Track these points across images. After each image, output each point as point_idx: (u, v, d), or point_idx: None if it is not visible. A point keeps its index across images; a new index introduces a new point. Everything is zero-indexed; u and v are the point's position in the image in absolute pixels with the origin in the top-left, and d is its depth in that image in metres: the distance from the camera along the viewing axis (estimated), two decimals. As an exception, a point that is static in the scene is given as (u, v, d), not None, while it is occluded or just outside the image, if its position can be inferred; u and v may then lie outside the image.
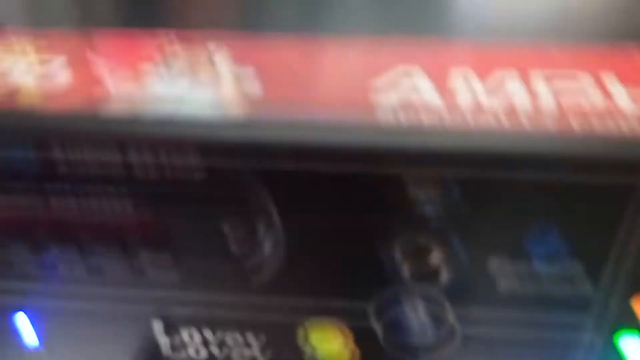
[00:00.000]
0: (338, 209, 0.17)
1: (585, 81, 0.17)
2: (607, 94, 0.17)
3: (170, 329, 0.21)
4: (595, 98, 0.17)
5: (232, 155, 0.17)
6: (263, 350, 0.22)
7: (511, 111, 0.16)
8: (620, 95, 0.17)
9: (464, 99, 0.17)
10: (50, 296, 0.21)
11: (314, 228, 0.18)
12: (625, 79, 0.17)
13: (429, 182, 0.17)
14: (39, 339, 0.22)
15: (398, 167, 0.16)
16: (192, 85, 0.18)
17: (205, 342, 0.21)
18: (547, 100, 0.17)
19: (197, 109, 0.17)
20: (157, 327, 0.21)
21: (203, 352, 0.21)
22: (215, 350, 0.21)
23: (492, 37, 0.20)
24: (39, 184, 0.18)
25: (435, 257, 0.18)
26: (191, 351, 0.22)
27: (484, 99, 0.17)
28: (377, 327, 0.20)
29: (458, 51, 0.19)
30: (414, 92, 0.17)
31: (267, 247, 0.19)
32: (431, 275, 0.19)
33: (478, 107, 0.17)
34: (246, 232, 0.18)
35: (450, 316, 0.20)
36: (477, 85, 0.17)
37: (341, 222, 0.18)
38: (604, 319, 0.19)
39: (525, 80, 0.18)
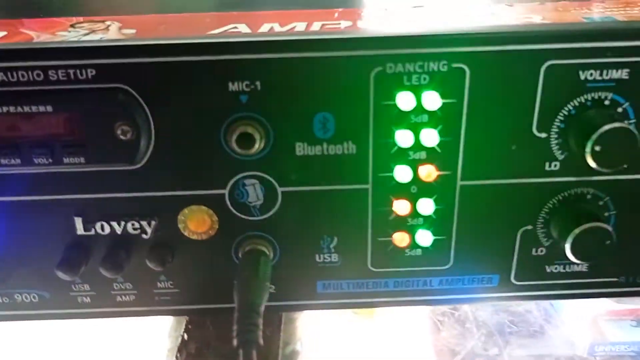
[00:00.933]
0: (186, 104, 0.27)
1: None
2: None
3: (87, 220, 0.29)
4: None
5: (112, 66, 0.26)
6: (155, 232, 0.29)
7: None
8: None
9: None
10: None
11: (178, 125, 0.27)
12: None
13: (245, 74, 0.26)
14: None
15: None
16: (91, 34, 0.28)
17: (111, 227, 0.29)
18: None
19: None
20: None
21: (107, 229, 0.29)
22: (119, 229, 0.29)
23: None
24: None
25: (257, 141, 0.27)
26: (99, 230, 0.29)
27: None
28: (230, 204, 0.29)
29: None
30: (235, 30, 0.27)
31: (144, 145, 0.27)
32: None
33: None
34: (130, 132, 0.27)
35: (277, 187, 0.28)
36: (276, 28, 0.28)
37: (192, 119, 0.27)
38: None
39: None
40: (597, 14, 0.29)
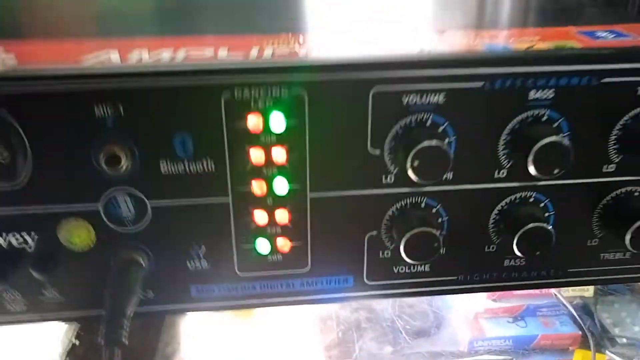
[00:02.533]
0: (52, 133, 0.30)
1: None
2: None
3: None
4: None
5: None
6: (37, 244, 0.32)
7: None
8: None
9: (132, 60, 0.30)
10: None
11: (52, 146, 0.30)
12: (221, 48, 0.31)
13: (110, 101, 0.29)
14: None
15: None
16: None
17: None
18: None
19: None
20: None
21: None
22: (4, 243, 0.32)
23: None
24: None
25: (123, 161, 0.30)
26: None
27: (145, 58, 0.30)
28: (105, 217, 0.32)
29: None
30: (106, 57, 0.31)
31: (21, 166, 0.30)
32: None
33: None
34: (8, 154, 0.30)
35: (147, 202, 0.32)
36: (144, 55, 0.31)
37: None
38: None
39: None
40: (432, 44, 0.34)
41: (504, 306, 0.54)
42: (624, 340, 0.53)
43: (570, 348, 0.53)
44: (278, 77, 0.30)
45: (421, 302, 0.59)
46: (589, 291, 0.56)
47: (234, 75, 0.29)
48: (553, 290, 0.54)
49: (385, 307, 0.59)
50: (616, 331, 0.54)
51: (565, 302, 0.53)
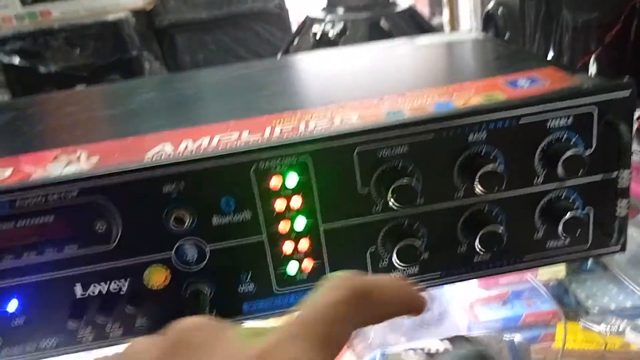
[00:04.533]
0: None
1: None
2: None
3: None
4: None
5: (88, 188, 0.41)
6: (129, 287, 0.45)
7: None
8: (241, 136, 0.43)
9: (182, 148, 0.43)
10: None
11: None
12: (245, 131, 0.44)
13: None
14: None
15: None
16: (68, 165, 0.43)
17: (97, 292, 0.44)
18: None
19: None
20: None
21: (96, 289, 0.44)
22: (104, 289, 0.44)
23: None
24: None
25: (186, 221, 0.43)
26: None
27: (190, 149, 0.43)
28: (176, 261, 0.44)
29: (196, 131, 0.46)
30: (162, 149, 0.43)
31: (115, 233, 0.43)
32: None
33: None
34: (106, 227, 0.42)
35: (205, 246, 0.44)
36: (189, 143, 0.44)
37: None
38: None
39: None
40: (397, 108, 0.46)
41: (493, 294, 0.66)
42: (596, 309, 0.64)
43: (552, 322, 0.64)
44: (288, 150, 0.42)
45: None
46: (562, 272, 0.67)
47: (258, 153, 0.42)
48: (529, 276, 0.65)
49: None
50: (589, 303, 0.65)
51: (537, 284, 0.64)
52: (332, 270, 0.46)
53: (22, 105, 0.68)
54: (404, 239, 0.44)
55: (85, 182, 0.41)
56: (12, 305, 0.44)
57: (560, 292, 0.66)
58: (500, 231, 0.44)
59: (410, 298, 0.28)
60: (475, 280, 0.66)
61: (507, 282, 0.66)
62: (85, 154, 0.46)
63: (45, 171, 0.43)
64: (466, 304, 0.65)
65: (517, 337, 0.57)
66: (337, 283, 0.27)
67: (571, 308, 0.65)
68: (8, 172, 0.44)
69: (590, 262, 0.70)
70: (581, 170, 0.44)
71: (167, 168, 0.42)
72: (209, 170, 0.42)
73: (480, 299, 0.65)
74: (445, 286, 0.67)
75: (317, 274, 0.46)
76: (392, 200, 0.42)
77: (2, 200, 0.41)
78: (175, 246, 0.44)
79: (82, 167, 0.43)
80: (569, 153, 0.43)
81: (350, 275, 0.27)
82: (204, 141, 0.44)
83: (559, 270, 0.67)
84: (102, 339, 0.46)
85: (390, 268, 0.47)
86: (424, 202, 0.45)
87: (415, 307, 0.28)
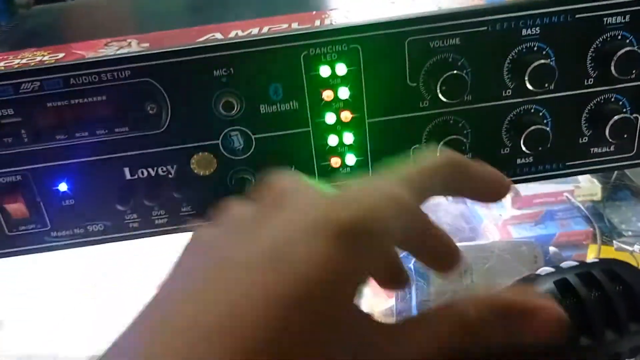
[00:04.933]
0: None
1: (281, 23, 0.44)
2: (287, 24, 0.43)
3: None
4: (282, 26, 0.43)
5: (140, 67, 0.42)
6: (176, 173, 0.45)
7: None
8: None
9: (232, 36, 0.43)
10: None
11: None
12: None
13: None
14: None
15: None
16: (120, 49, 0.44)
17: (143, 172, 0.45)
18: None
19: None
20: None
21: (145, 173, 0.45)
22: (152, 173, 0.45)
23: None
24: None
25: (235, 107, 0.43)
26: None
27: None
28: (222, 149, 0.45)
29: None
30: (213, 37, 0.43)
31: (165, 116, 0.43)
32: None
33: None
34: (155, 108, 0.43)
35: (252, 135, 0.45)
36: (239, 32, 0.43)
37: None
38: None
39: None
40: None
41: (526, 212, 0.66)
42: (630, 233, 0.64)
43: (584, 243, 0.64)
44: (339, 37, 0.42)
45: (457, 219, 0.71)
46: (597, 195, 0.67)
47: (308, 39, 0.42)
48: (566, 194, 0.65)
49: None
50: (623, 227, 0.65)
51: (577, 203, 0.65)
52: (375, 166, 0.47)
53: (63, 7, 0.68)
54: (450, 134, 0.44)
55: (138, 62, 0.42)
56: (63, 186, 0.45)
57: (594, 215, 0.66)
58: (545, 131, 0.44)
59: (499, 181, 0.28)
60: (509, 199, 0.67)
61: (541, 202, 0.66)
62: (135, 41, 0.46)
63: (98, 54, 0.44)
64: (499, 222, 0.66)
65: (552, 249, 0.57)
66: (437, 154, 0.27)
67: (604, 231, 0.65)
68: (61, 55, 0.44)
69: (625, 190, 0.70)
70: (634, 71, 0.43)
71: (218, 51, 0.42)
72: (259, 55, 0.42)
73: (513, 217, 0.65)
74: (476, 204, 0.68)
75: (360, 169, 0.47)
76: (440, 92, 0.42)
77: (56, 77, 0.42)
78: (223, 134, 0.44)
79: (134, 51, 0.43)
80: (623, 51, 0.42)
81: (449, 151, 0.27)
82: (254, 30, 0.44)
83: (594, 193, 0.66)
84: (148, 226, 0.48)
85: (433, 166, 0.47)
86: (472, 99, 0.45)
87: (501, 190, 0.28)
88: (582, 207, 0.64)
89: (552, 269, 0.30)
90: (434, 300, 0.43)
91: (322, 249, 0.20)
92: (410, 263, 0.45)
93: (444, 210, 0.74)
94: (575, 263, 0.30)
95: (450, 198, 0.76)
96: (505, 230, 0.65)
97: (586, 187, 0.67)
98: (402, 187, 0.23)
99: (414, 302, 0.44)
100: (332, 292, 0.20)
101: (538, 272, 0.31)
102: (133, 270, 0.66)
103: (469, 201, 0.73)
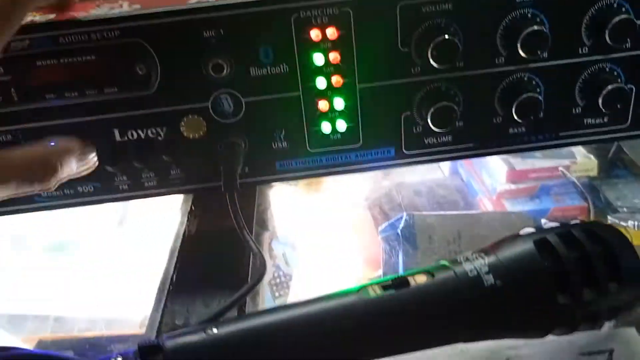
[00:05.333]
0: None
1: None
2: None
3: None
4: None
5: (131, 27, 0.41)
6: (166, 135, 0.45)
7: None
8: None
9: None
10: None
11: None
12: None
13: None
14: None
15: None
16: (112, 10, 0.43)
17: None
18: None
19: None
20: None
21: (135, 135, 0.45)
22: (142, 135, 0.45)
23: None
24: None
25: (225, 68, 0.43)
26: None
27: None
28: (212, 112, 0.45)
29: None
30: (203, -3, 0.43)
31: (154, 77, 0.43)
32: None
33: None
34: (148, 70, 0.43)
35: (242, 99, 0.44)
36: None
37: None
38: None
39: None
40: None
41: (521, 187, 0.66)
42: (625, 209, 0.64)
43: (579, 218, 0.64)
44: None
45: (452, 194, 0.71)
46: (593, 171, 0.66)
47: (299, 1, 0.41)
48: (562, 169, 0.65)
49: (421, 200, 0.71)
50: (618, 203, 0.65)
51: (573, 178, 0.64)
52: (365, 132, 0.47)
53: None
54: (441, 101, 0.44)
55: (128, 22, 0.42)
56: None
57: (590, 191, 0.65)
58: (538, 100, 0.44)
59: None
60: (503, 174, 0.66)
61: (536, 176, 0.66)
62: (127, 3, 0.46)
63: (89, 14, 0.43)
64: (493, 196, 0.65)
65: (544, 221, 0.57)
66: None
67: (599, 207, 0.64)
68: (52, 16, 0.44)
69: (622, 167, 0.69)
70: (629, 41, 0.43)
71: (208, 12, 0.41)
72: (250, 17, 0.42)
73: (508, 191, 0.65)
74: (472, 178, 0.68)
75: (349, 136, 0.47)
76: (432, 58, 0.42)
77: (46, 36, 0.41)
78: (212, 96, 0.44)
79: (125, 11, 0.43)
80: (618, 19, 0.41)
81: None
82: (244, -8, 0.44)
83: (590, 169, 0.66)
84: (137, 188, 0.48)
85: (425, 134, 0.47)
86: (464, 66, 0.44)
87: None
88: (578, 183, 0.64)
89: (532, 230, 0.30)
90: (420, 264, 0.43)
91: None
92: (398, 229, 0.45)
93: (440, 185, 0.74)
94: (556, 224, 0.30)
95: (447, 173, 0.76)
96: (500, 203, 0.65)
97: (583, 162, 0.66)
98: None
99: (401, 267, 0.44)
100: None
101: (520, 232, 0.31)
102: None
103: (464, 175, 0.73)
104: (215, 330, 0.28)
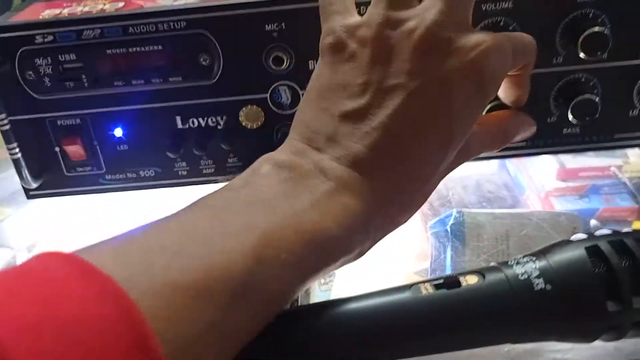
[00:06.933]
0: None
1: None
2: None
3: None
4: None
5: (196, 19, 0.43)
6: (225, 124, 0.47)
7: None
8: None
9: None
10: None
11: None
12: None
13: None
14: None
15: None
16: (178, 0, 0.45)
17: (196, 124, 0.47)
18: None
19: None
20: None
21: (196, 123, 0.47)
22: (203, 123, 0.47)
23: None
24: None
25: (285, 62, 0.44)
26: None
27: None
28: (270, 103, 0.46)
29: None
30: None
31: (216, 68, 0.45)
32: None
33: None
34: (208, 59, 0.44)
35: (299, 91, 0.46)
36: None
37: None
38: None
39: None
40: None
41: (571, 185, 0.65)
42: (677, 211, 0.63)
43: (629, 219, 0.63)
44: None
45: (499, 190, 0.71)
46: (646, 172, 0.65)
47: (361, -4, 0.42)
48: (613, 169, 0.64)
49: (469, 196, 0.71)
50: (671, 205, 0.64)
51: (624, 179, 0.63)
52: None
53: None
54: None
55: (193, 14, 0.43)
56: (118, 131, 0.48)
57: (641, 192, 0.65)
58: (595, 101, 0.44)
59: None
60: (553, 171, 0.66)
61: (587, 175, 0.65)
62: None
63: (156, 4, 0.45)
64: (542, 194, 0.65)
65: (593, 222, 0.57)
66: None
67: (651, 208, 0.64)
68: (121, 4, 0.46)
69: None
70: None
71: (271, 6, 0.43)
72: (311, 11, 0.42)
73: (557, 189, 0.65)
74: (520, 174, 0.67)
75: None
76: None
77: (117, 26, 0.43)
78: (271, 88, 0.46)
79: (190, 3, 0.45)
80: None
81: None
82: (306, -14, 0.45)
83: (643, 170, 0.65)
84: (195, 175, 0.50)
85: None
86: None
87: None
88: (629, 183, 0.63)
89: (584, 236, 0.31)
90: (468, 261, 0.44)
91: None
92: (447, 225, 0.46)
93: (488, 180, 0.74)
94: (608, 231, 0.31)
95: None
96: (548, 201, 0.65)
97: (635, 162, 0.65)
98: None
99: (448, 264, 0.45)
100: None
101: (571, 238, 0.31)
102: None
103: (512, 171, 0.73)
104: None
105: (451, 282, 0.31)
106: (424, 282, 0.31)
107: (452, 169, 0.37)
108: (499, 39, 0.34)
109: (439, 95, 0.32)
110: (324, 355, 0.29)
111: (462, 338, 0.30)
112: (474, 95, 0.33)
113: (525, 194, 0.68)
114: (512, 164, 0.73)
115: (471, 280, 0.31)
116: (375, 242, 0.33)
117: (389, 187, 0.32)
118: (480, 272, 0.31)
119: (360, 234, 0.31)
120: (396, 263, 0.52)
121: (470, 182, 0.73)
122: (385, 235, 0.34)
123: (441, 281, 0.31)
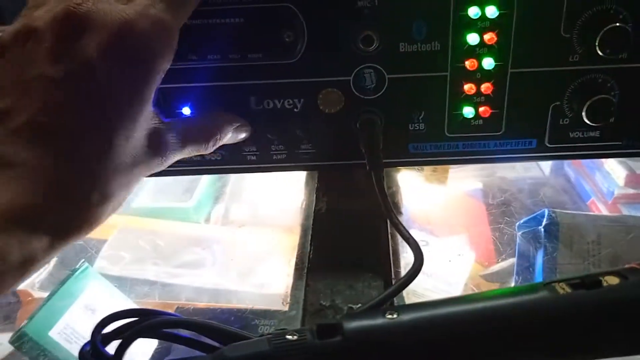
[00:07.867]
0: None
1: None
2: None
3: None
4: None
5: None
6: (302, 107, 0.44)
7: None
8: None
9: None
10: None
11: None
12: None
13: None
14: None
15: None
16: None
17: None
18: None
19: None
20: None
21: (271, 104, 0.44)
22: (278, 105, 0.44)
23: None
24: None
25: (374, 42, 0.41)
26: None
27: None
28: (353, 87, 0.43)
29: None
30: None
31: (300, 45, 0.42)
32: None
33: None
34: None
35: (386, 75, 0.42)
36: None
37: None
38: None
39: None
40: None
41: (641, 192, 0.62)
42: None
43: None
44: (496, -25, 0.39)
45: (558, 194, 0.68)
46: None
47: (464, -26, 0.39)
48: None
49: (526, 198, 0.68)
50: None
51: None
52: (509, 121, 0.44)
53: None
54: (597, 95, 0.41)
55: (280, -14, 0.40)
56: (186, 110, 0.44)
57: None
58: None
59: None
60: (622, 177, 0.63)
61: (658, 182, 0.62)
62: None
63: None
64: (609, 200, 0.62)
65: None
66: None
67: None
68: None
69: None
70: None
71: (367, -20, 0.40)
72: (407, -11, 0.40)
73: (626, 195, 0.62)
74: (582, 180, 0.64)
75: (492, 123, 0.44)
76: (599, 46, 0.39)
77: (196, -6, 0.40)
78: (356, 70, 0.43)
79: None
80: None
81: None
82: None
83: None
84: (265, 161, 0.46)
85: (572, 127, 0.44)
86: (627, 57, 0.41)
87: None
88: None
89: None
90: (559, 264, 0.41)
91: None
92: (542, 224, 0.43)
93: (543, 184, 0.71)
94: None
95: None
96: (615, 207, 0.62)
97: None
98: None
99: (539, 265, 0.42)
100: None
101: None
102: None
103: (572, 176, 0.70)
104: (395, 315, 0.27)
105: (592, 282, 0.27)
106: (558, 281, 0.28)
107: (151, 168, 0.36)
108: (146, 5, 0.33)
109: (83, 77, 0.31)
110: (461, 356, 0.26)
111: (605, 342, 0.27)
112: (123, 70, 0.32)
113: (590, 200, 0.65)
114: (571, 168, 0.70)
115: (612, 280, 0.28)
116: (60, 242, 0.30)
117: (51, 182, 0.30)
118: (620, 273, 0.28)
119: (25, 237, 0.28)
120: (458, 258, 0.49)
121: (524, 185, 0.70)
122: (74, 233, 0.31)
123: (578, 281, 0.28)
